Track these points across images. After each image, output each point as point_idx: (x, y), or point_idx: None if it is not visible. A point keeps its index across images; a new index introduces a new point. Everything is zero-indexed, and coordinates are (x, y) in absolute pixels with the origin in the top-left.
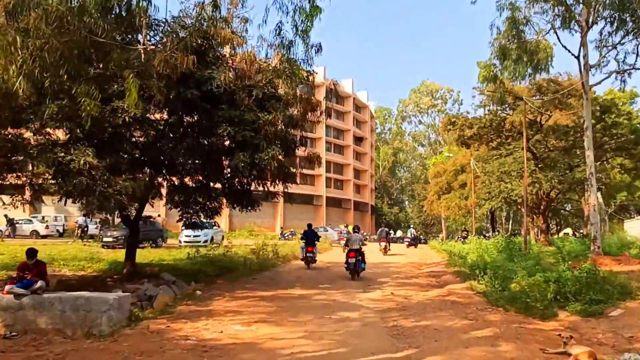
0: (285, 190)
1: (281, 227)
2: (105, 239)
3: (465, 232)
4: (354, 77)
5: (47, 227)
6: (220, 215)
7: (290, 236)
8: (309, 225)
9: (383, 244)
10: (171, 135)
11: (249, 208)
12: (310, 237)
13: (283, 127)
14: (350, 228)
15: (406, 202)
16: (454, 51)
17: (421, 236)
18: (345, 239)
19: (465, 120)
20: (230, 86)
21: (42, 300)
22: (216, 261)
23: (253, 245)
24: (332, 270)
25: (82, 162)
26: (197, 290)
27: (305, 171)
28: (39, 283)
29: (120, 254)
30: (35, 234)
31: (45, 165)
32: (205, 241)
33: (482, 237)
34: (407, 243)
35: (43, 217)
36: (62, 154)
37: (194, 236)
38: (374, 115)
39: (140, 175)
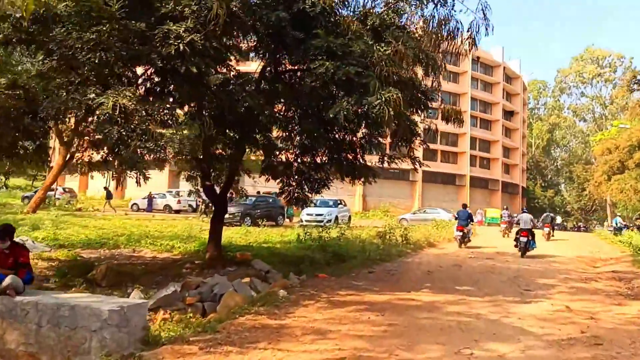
0: (411, 156)
1: (419, 209)
2: None
3: None
4: (504, 45)
5: (179, 201)
6: (329, 189)
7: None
8: (464, 206)
9: (547, 229)
10: (259, 81)
11: (362, 181)
12: (463, 217)
13: (407, 65)
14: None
15: (562, 185)
16: (624, 12)
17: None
18: (506, 222)
19: None
20: (331, 5)
21: (14, 306)
22: (330, 245)
23: (381, 227)
24: (476, 263)
25: (110, 104)
26: (281, 290)
27: (446, 148)
28: (8, 279)
29: (229, 232)
30: (168, 208)
31: (70, 109)
32: (329, 221)
33: None
34: (612, 232)
35: (177, 192)
36: (93, 95)
37: (316, 215)
38: (526, 87)
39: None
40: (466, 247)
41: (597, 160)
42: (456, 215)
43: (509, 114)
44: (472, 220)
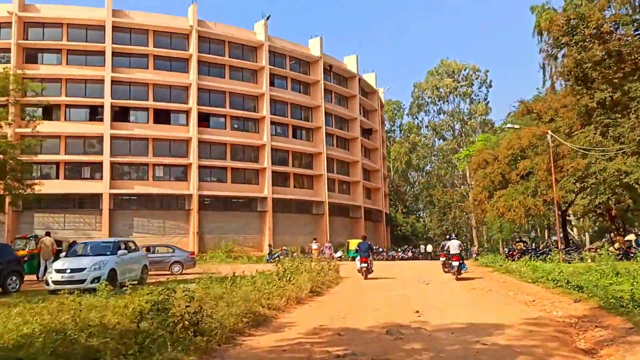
0: None
1: (269, 245)
2: None
3: (523, 244)
4: (358, 54)
5: None
6: None
7: (282, 257)
8: (364, 238)
9: (455, 263)
10: None
11: None
12: (364, 249)
13: None
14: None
15: (421, 212)
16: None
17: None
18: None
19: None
20: None
21: None
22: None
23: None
24: None
25: None
26: None
27: (300, 171)
28: None
29: None
30: None
31: None
32: (96, 279)
33: (536, 252)
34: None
35: None
36: None
37: (72, 271)
38: (383, 104)
39: None
40: (368, 279)
41: (474, 175)
42: (357, 248)
43: (367, 132)
44: (373, 250)
